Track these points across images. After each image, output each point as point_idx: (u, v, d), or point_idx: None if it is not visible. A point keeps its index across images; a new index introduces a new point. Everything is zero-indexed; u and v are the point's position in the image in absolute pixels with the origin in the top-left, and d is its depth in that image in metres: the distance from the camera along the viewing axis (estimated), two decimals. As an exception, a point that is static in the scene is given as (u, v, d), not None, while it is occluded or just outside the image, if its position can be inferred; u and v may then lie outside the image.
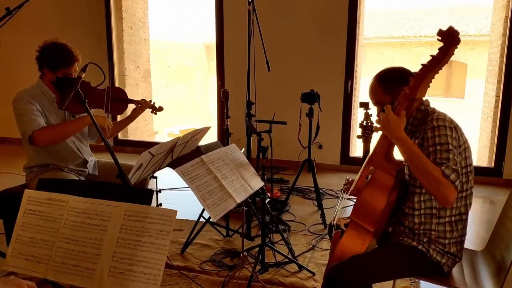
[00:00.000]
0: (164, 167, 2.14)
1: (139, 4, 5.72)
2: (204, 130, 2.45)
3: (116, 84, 5.51)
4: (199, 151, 1.92)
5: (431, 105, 1.66)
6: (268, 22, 4.58)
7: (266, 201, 3.48)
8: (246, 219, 2.73)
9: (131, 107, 2.56)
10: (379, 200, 1.57)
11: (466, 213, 1.60)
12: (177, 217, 1.30)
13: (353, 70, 4.59)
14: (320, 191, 3.54)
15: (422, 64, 1.47)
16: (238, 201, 1.84)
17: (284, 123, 2.35)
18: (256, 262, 2.36)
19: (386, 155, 1.61)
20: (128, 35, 5.61)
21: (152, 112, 2.55)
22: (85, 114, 2.21)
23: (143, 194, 1.38)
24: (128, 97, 2.50)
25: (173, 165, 1.80)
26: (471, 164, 1.59)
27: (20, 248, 1.34)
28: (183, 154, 2.10)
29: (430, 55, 1.46)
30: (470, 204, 1.61)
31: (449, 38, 1.43)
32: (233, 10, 4.78)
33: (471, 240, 2.20)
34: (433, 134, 1.50)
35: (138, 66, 5.88)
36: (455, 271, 1.66)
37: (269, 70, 2.86)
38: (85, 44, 5.27)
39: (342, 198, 1.88)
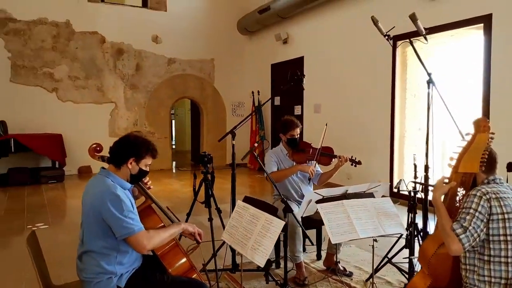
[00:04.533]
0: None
1: (422, 76, 6.46)
2: (383, 186, 3.15)
3: (396, 143, 6.45)
4: (344, 196, 2.73)
5: (503, 183, 1.89)
6: None
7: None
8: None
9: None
10: (429, 249, 1.99)
11: (508, 279, 1.75)
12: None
13: None
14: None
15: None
16: (361, 237, 2.54)
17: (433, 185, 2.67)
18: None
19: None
20: (410, 102, 6.46)
21: (351, 164, 3.48)
22: (305, 164, 3.47)
23: (274, 211, 2.44)
24: (334, 153, 3.56)
25: (321, 202, 2.71)
26: None
27: (228, 229, 2.67)
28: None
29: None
30: None
31: (475, 127, 1.80)
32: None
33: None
34: (465, 199, 1.85)
35: (419, 128, 6.57)
36: None
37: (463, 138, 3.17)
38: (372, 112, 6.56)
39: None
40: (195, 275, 2.28)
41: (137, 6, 9.71)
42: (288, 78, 3.51)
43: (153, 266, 2.27)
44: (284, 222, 2.32)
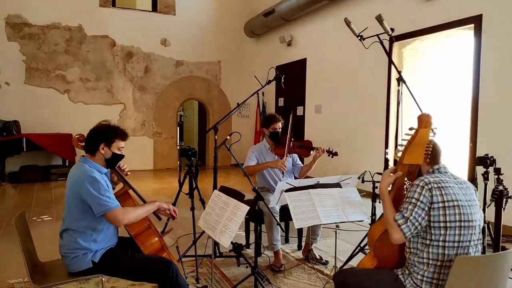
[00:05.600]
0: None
1: (417, 76, 6.57)
2: (354, 178, 3.30)
3: (390, 143, 6.57)
4: (313, 186, 2.91)
5: (447, 172, 2.05)
6: None
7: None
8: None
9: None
10: (375, 232, 2.15)
11: (443, 261, 1.90)
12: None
13: None
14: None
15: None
16: (323, 222, 2.71)
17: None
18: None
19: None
20: (406, 102, 6.55)
21: (329, 155, 3.65)
22: (275, 160, 3.66)
23: (242, 198, 2.63)
24: (312, 146, 3.73)
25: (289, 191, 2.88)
26: (452, 221, 1.90)
27: (203, 216, 2.88)
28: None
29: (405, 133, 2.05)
30: (450, 256, 1.90)
31: (418, 122, 1.97)
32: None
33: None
34: (410, 189, 1.99)
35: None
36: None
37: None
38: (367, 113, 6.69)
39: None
40: (165, 255, 2.49)
41: (146, 11, 10.05)
42: (267, 77, 3.73)
43: (128, 246, 2.49)
44: (249, 207, 2.51)
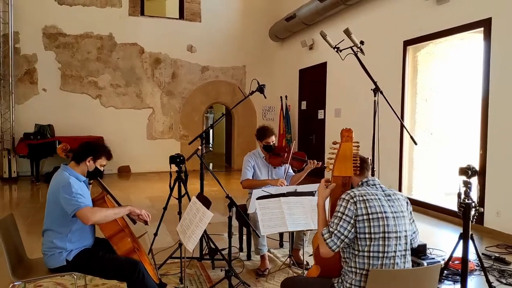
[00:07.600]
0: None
1: (434, 78, 6.42)
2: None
3: (404, 147, 6.46)
4: (285, 194, 3.00)
5: (375, 184, 2.11)
6: None
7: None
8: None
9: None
10: (316, 241, 2.24)
11: (368, 270, 1.95)
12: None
13: None
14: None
15: None
16: (289, 230, 2.81)
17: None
18: None
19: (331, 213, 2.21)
20: (421, 107, 6.44)
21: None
22: (276, 179, 3.77)
23: (209, 205, 2.79)
24: (306, 159, 3.81)
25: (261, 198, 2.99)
26: (376, 233, 1.95)
27: (181, 221, 3.05)
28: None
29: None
30: (375, 265, 1.96)
31: (340, 137, 2.05)
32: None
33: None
34: (337, 203, 2.06)
35: (431, 133, 6.52)
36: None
37: (415, 144, 3.32)
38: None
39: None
40: (135, 256, 2.69)
41: (173, 18, 10.43)
42: (250, 87, 3.86)
43: (105, 246, 2.72)
44: (212, 214, 2.66)
